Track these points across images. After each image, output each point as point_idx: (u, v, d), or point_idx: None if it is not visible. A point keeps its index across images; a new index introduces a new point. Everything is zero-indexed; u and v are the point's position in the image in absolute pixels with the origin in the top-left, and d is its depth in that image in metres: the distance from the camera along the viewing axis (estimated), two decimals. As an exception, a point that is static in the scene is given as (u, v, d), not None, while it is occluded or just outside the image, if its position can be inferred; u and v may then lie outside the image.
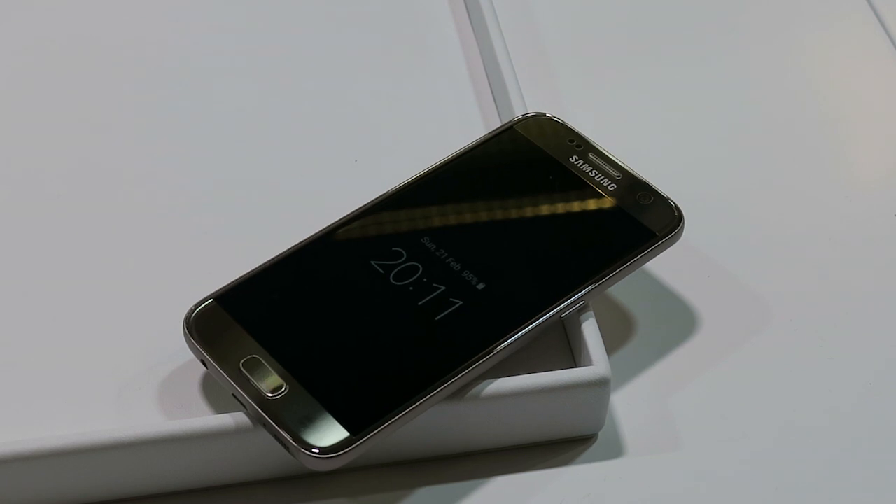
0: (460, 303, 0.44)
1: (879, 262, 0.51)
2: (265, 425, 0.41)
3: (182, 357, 0.45)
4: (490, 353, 0.42)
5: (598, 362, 0.43)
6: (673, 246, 0.46)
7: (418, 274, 0.44)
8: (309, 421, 0.40)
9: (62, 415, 0.44)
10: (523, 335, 0.43)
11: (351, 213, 0.47)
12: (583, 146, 0.49)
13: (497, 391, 0.42)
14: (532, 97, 0.54)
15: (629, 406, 0.46)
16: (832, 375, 0.47)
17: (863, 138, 0.57)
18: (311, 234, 0.46)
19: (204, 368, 0.43)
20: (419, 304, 0.44)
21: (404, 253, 0.45)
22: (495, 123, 0.55)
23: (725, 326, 0.48)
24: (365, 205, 0.47)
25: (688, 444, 0.45)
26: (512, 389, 0.42)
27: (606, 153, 0.48)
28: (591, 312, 0.45)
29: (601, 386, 0.43)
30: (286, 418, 0.40)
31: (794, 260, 0.50)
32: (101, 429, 0.41)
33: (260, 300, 0.44)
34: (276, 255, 0.45)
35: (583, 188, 0.47)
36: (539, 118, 0.50)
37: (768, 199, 0.53)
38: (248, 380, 0.41)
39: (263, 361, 0.42)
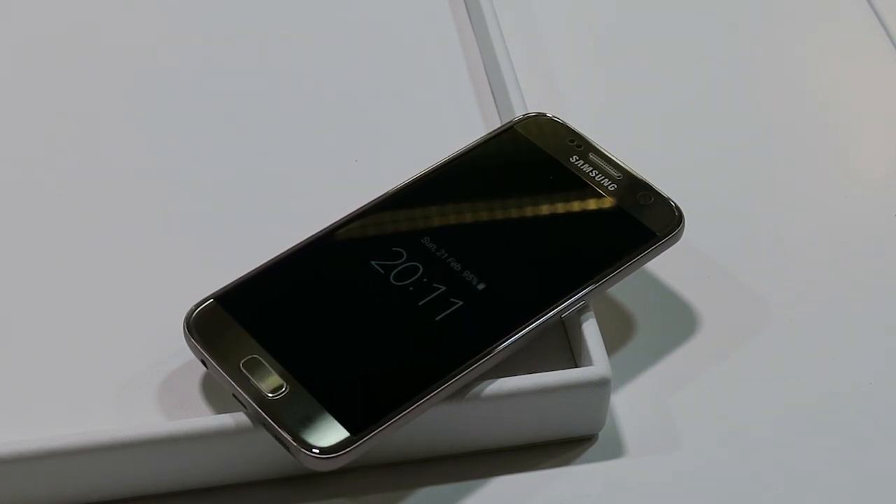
0: (461, 303, 0.44)
1: (879, 262, 0.51)
2: (265, 425, 0.41)
3: (182, 357, 0.45)
4: (490, 354, 0.42)
5: (598, 362, 0.43)
6: (673, 246, 0.46)
7: (419, 274, 0.44)
8: (309, 421, 0.40)
9: (62, 415, 0.44)
10: (524, 335, 0.43)
11: (351, 213, 0.47)
12: (583, 146, 0.49)
13: (497, 391, 0.42)
14: (532, 97, 0.54)
15: (629, 406, 0.45)
16: (832, 375, 0.47)
17: (863, 138, 0.57)
18: (311, 234, 0.46)
19: (204, 368, 0.43)
20: (419, 304, 0.44)
21: (405, 253, 0.45)
22: (495, 123, 0.55)
23: (725, 326, 0.48)
24: (365, 205, 0.47)
25: (688, 444, 0.45)
26: (512, 389, 0.42)
27: (606, 153, 0.48)
28: (592, 312, 0.45)
29: (601, 386, 0.43)
30: (286, 418, 0.40)
31: (794, 260, 0.50)
32: (101, 429, 0.41)
33: (260, 300, 0.44)
34: (276, 255, 0.45)
35: (583, 188, 0.47)
36: (539, 118, 0.50)
37: (768, 199, 0.53)
38: (249, 380, 0.41)
39: (263, 361, 0.42)
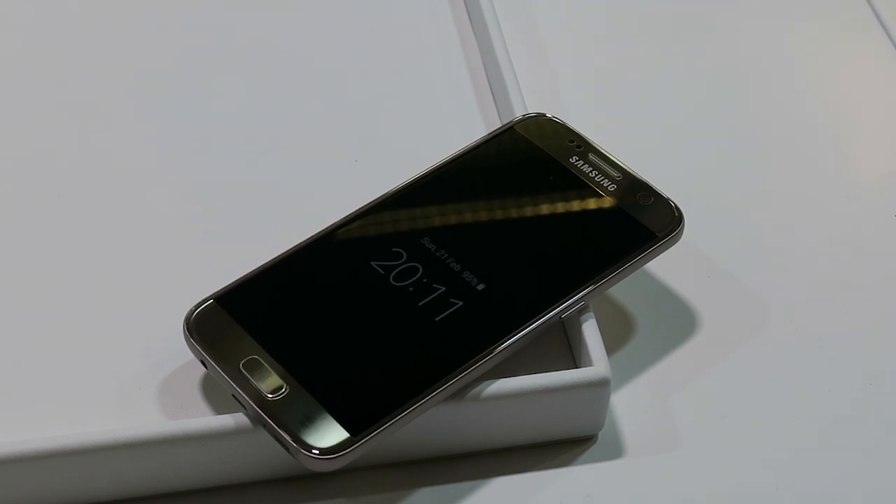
0: (460, 303, 0.44)
1: (879, 262, 0.51)
2: (265, 426, 0.41)
3: (182, 357, 0.45)
4: (490, 354, 0.42)
5: (598, 362, 0.43)
6: (673, 246, 0.46)
7: (418, 274, 0.44)
8: (309, 421, 0.40)
9: (62, 414, 0.44)
10: (523, 336, 0.43)
11: (351, 213, 0.47)
12: (583, 146, 0.49)
13: (497, 392, 0.42)
14: (532, 97, 0.54)
15: (629, 406, 0.46)
16: (832, 376, 0.47)
17: (863, 138, 0.57)
18: (311, 234, 0.46)
19: (204, 369, 0.43)
20: (419, 304, 0.44)
21: (404, 253, 0.45)
22: (495, 123, 0.55)
23: (725, 326, 0.48)
24: (365, 205, 0.47)
25: (688, 444, 0.45)
26: (512, 390, 0.42)
27: (606, 153, 0.48)
28: (591, 313, 0.45)
29: (601, 386, 0.43)
30: (286, 419, 0.40)
31: (794, 260, 0.51)
32: (101, 429, 0.41)
33: (260, 300, 0.44)
34: (276, 255, 0.45)
35: (583, 188, 0.47)
36: (539, 118, 0.50)
37: (768, 199, 0.53)
38: (248, 380, 0.41)
39: (263, 362, 0.42)
